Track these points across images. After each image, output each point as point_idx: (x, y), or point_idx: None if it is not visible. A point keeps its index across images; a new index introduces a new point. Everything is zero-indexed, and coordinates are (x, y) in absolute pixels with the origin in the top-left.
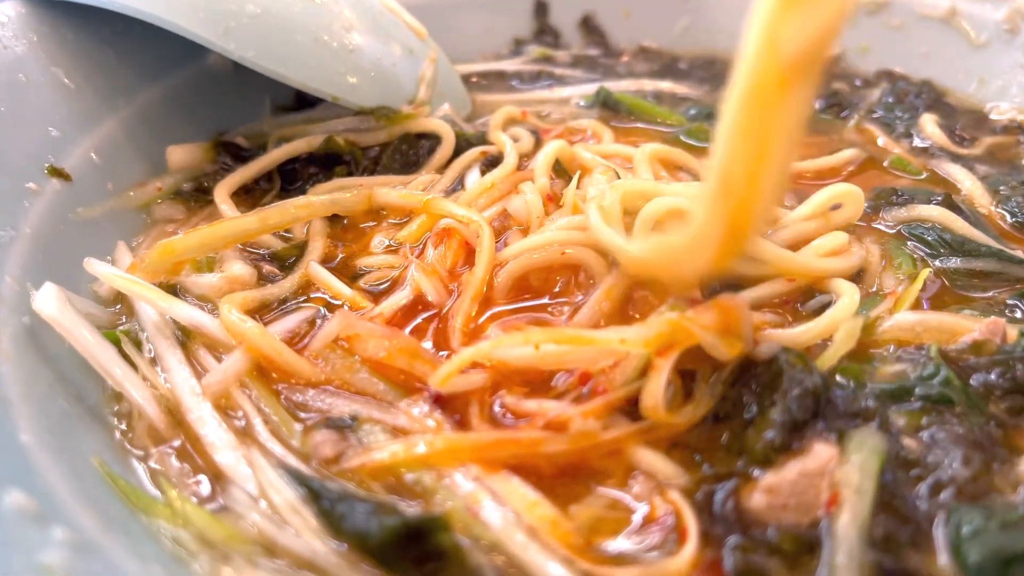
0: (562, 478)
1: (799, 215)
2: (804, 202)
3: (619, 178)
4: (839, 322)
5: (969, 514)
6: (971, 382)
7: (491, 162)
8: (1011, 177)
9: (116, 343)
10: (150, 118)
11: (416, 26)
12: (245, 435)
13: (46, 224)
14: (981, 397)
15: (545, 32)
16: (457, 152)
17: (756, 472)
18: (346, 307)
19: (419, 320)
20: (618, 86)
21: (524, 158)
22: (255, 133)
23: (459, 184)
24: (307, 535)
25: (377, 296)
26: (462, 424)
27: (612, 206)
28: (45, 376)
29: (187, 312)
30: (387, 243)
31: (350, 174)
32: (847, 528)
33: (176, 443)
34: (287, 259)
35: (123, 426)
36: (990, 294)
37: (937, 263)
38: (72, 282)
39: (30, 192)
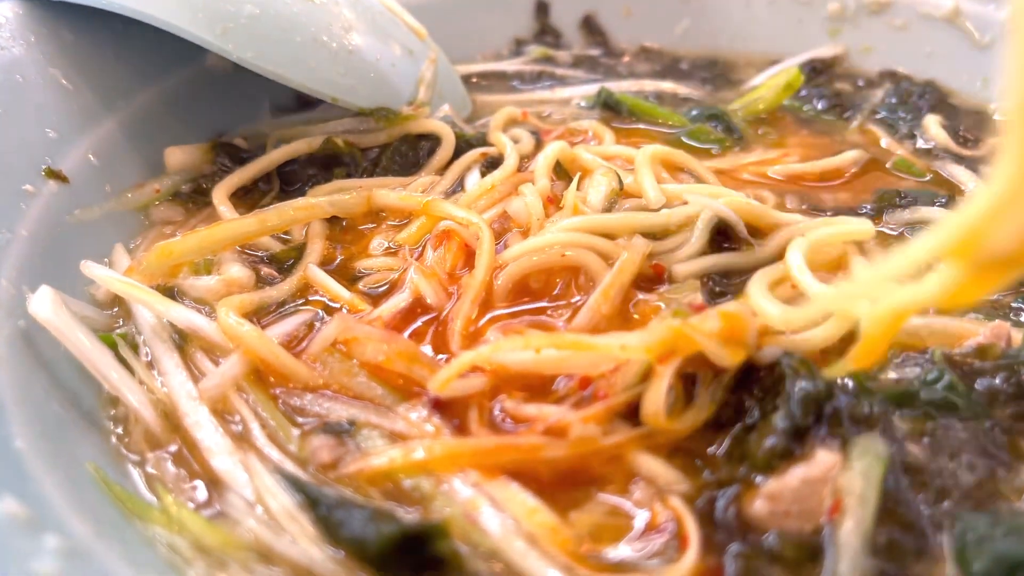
0: (562, 484)
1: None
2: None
3: (620, 179)
4: (842, 328)
5: (974, 521)
6: (976, 387)
7: (491, 163)
8: None
9: (112, 347)
10: (148, 119)
11: (416, 26)
12: (242, 440)
13: (43, 226)
14: (986, 402)
15: (546, 32)
16: (457, 153)
17: (758, 478)
18: (344, 310)
19: (418, 323)
20: (619, 87)
21: (524, 159)
22: (254, 134)
23: (459, 186)
24: (304, 542)
25: (376, 299)
26: (461, 429)
27: None
28: (40, 380)
29: (184, 315)
30: (386, 245)
31: (349, 176)
32: (850, 536)
33: (173, 448)
34: (286, 261)
35: (119, 431)
36: (995, 298)
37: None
38: (69, 285)
39: (27, 194)
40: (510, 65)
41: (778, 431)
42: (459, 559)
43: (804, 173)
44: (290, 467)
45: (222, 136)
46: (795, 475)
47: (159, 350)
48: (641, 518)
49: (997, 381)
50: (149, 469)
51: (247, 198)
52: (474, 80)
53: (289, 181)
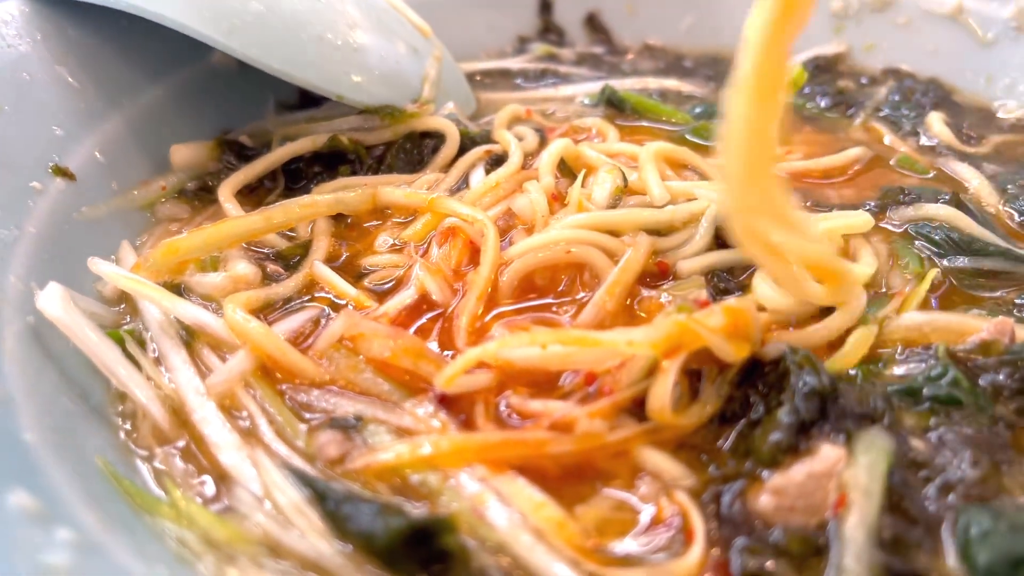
0: (568, 479)
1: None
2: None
3: (624, 177)
4: (846, 324)
5: (978, 516)
6: (979, 382)
7: (496, 161)
8: (1019, 176)
9: (120, 343)
10: (154, 117)
11: (421, 24)
12: (250, 435)
13: (50, 223)
14: (989, 398)
15: (550, 30)
16: (462, 151)
17: (763, 473)
18: (350, 306)
19: (424, 320)
20: (623, 84)
21: (529, 157)
22: (259, 132)
23: (464, 183)
24: (312, 536)
25: (381, 295)
26: (467, 424)
27: None
28: (49, 375)
29: (191, 311)
30: (391, 242)
31: (354, 173)
32: (855, 530)
33: (180, 443)
34: (291, 258)
35: (127, 426)
36: (998, 293)
37: (945, 262)
38: (76, 281)
39: (34, 191)
40: (514, 63)
41: (783, 426)
42: (466, 553)
43: (808, 170)
44: (298, 462)
45: (227, 134)
46: (800, 470)
47: (166, 346)
48: (647, 513)
49: (1001, 377)
50: (157, 464)
51: (252, 195)
52: (478, 78)
53: (294, 179)
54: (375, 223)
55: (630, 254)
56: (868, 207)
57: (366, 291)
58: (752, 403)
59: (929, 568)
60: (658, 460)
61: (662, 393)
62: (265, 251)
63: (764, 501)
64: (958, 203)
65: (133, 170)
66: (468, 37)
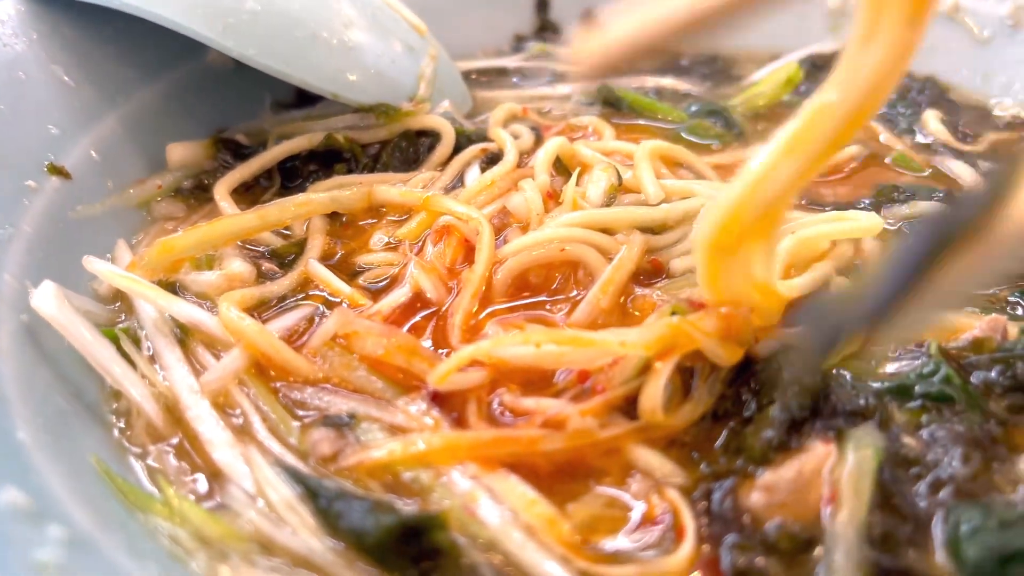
0: (560, 476)
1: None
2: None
3: (619, 175)
4: None
5: (968, 512)
6: (971, 380)
7: (491, 159)
8: None
9: (115, 341)
10: (150, 116)
11: (416, 22)
12: (243, 433)
13: (45, 222)
14: (981, 395)
15: (546, 28)
16: (457, 149)
17: (755, 471)
18: (345, 305)
19: (418, 318)
20: (619, 82)
21: (524, 155)
22: (255, 130)
23: (459, 181)
24: (304, 533)
25: (376, 294)
26: (460, 422)
27: None
28: (43, 374)
29: (186, 310)
30: (386, 240)
31: (350, 171)
32: (845, 526)
33: (174, 441)
34: (286, 256)
35: (121, 424)
36: (991, 291)
37: None
38: (72, 280)
39: (29, 190)
40: (510, 61)
41: (775, 424)
42: (457, 550)
43: None
44: (290, 460)
45: (223, 132)
46: (791, 467)
47: (161, 344)
48: (638, 510)
49: (993, 374)
50: (151, 462)
51: (248, 194)
52: (474, 76)
53: (290, 177)
54: (370, 221)
55: (624, 252)
56: (863, 205)
57: (361, 289)
58: (744, 401)
59: (919, 564)
60: (649, 458)
61: (653, 394)
62: (260, 249)
63: (755, 498)
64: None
65: (129, 169)
66: (465, 35)
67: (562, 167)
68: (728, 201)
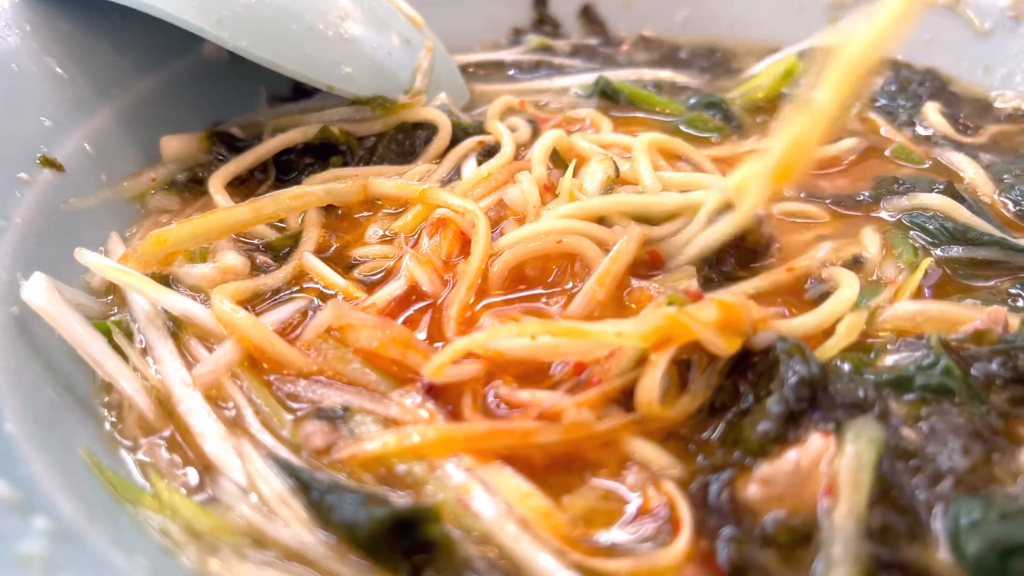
0: (555, 469)
1: None
2: None
3: (616, 167)
4: (838, 312)
5: (968, 505)
6: (972, 372)
7: (488, 152)
8: (1015, 166)
9: (107, 333)
10: (144, 108)
11: (413, 15)
12: (235, 426)
13: (38, 214)
14: (982, 387)
15: (544, 22)
16: (454, 142)
17: (752, 463)
18: (340, 297)
19: (413, 311)
20: (617, 75)
21: (521, 148)
22: (251, 123)
23: (456, 174)
24: (296, 526)
25: (371, 286)
26: (455, 415)
27: None
28: (34, 366)
29: (178, 302)
30: (382, 233)
31: (346, 164)
32: (844, 519)
33: (166, 434)
34: (281, 249)
35: (113, 417)
36: (992, 283)
37: (939, 252)
38: (64, 272)
39: (22, 182)
40: (508, 55)
41: (772, 416)
42: (450, 543)
43: None
44: (283, 452)
45: (218, 125)
46: (789, 459)
47: (153, 337)
48: (634, 502)
49: (994, 366)
50: (142, 455)
51: (243, 187)
52: (472, 70)
53: (285, 170)
54: (366, 214)
55: (621, 243)
56: (862, 197)
57: (356, 282)
58: (741, 393)
59: (918, 558)
60: (646, 450)
61: (650, 387)
62: (255, 242)
63: (752, 491)
64: (953, 193)
65: (123, 162)
66: (462, 29)
67: (559, 160)
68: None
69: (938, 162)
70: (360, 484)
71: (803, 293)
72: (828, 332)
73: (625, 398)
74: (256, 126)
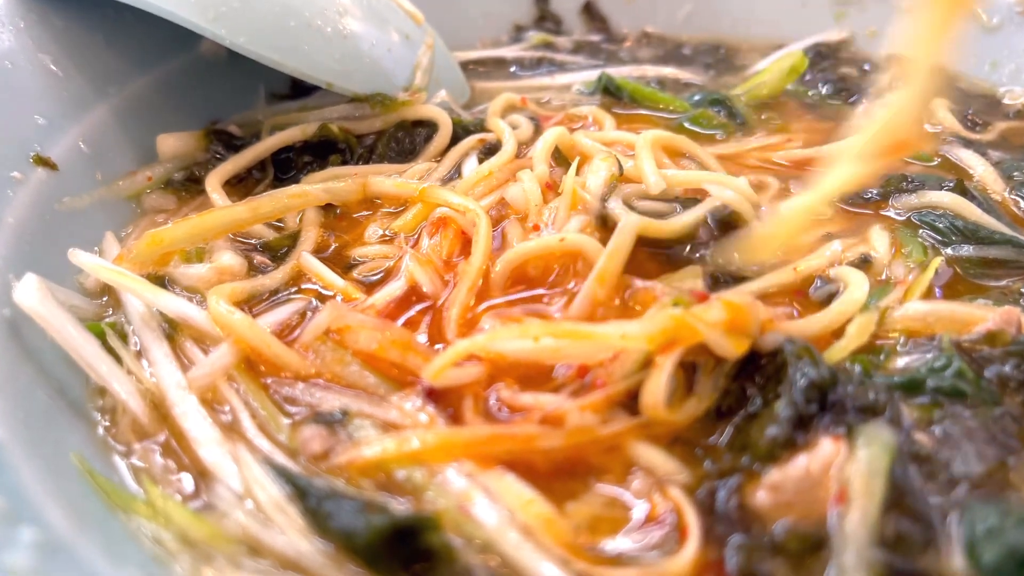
0: (559, 475)
1: None
2: None
3: (620, 165)
4: (847, 313)
5: (983, 512)
6: (985, 374)
7: (489, 150)
8: None
9: (101, 336)
10: (141, 106)
11: (413, 11)
12: (231, 430)
13: (31, 214)
14: (995, 389)
15: (546, 18)
16: (454, 140)
17: (760, 468)
18: (338, 298)
19: (413, 312)
20: (620, 72)
21: (523, 146)
22: (249, 121)
23: (456, 172)
24: (292, 534)
25: (371, 287)
26: (456, 419)
27: None
28: (25, 370)
29: (174, 303)
30: (381, 233)
31: (345, 163)
32: (856, 527)
33: (160, 439)
34: (279, 249)
35: (106, 421)
36: (1004, 283)
37: (949, 251)
38: (58, 273)
39: (15, 181)
40: (509, 51)
41: (781, 420)
42: (451, 552)
43: (809, 158)
44: (280, 458)
45: (216, 123)
46: (798, 465)
47: (148, 339)
48: (640, 509)
49: (1007, 368)
50: (136, 460)
51: (241, 186)
52: (472, 66)
53: (284, 169)
54: (365, 213)
55: (616, 238)
56: (870, 195)
57: (355, 282)
58: (749, 396)
59: (933, 567)
60: (652, 455)
61: (656, 390)
62: (252, 242)
63: (761, 497)
64: (963, 190)
65: (118, 160)
66: (463, 25)
67: (561, 158)
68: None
69: (947, 159)
70: (359, 490)
71: (810, 293)
72: (836, 333)
73: (630, 401)
74: (254, 124)
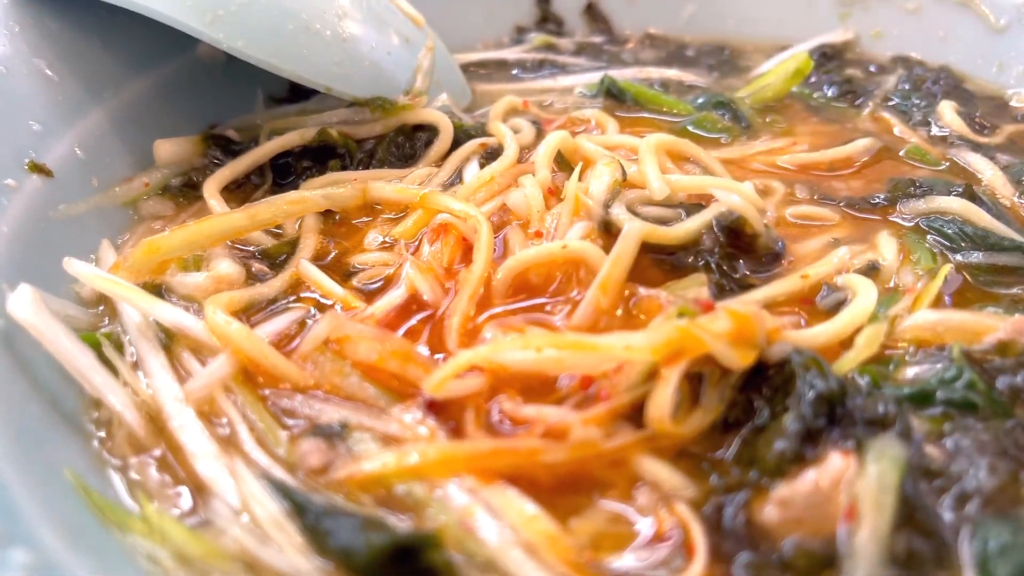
0: (562, 489)
1: None
2: None
3: (623, 170)
4: (855, 323)
5: (996, 528)
6: (996, 385)
7: (491, 155)
8: None
9: (96, 347)
10: (137, 111)
11: (413, 14)
12: (229, 444)
13: (25, 222)
14: (1007, 401)
15: (548, 20)
16: (455, 144)
17: (768, 483)
18: (337, 307)
19: (414, 321)
20: (623, 74)
21: (525, 150)
22: (247, 126)
23: (457, 178)
24: (290, 552)
25: (370, 295)
26: (457, 432)
27: None
28: (19, 382)
29: (170, 313)
30: (382, 240)
31: (344, 168)
32: (866, 543)
33: (157, 452)
34: (278, 256)
35: (102, 434)
36: (1015, 290)
37: (958, 258)
38: (53, 283)
39: (9, 188)
40: (511, 53)
41: (789, 433)
42: (453, 570)
43: (814, 162)
44: (278, 472)
45: (214, 128)
46: (807, 480)
47: (144, 350)
48: (645, 526)
49: (1019, 379)
50: (132, 475)
51: (239, 192)
52: (473, 69)
53: (282, 174)
54: (365, 220)
55: (620, 245)
56: (877, 199)
57: (354, 291)
58: (756, 408)
59: None
60: (657, 469)
61: (661, 402)
62: (250, 249)
63: (769, 513)
64: (971, 195)
65: (115, 166)
66: (464, 27)
67: (564, 162)
68: None
69: (955, 163)
70: (358, 506)
71: (816, 302)
72: (845, 343)
73: (634, 414)
74: (252, 129)
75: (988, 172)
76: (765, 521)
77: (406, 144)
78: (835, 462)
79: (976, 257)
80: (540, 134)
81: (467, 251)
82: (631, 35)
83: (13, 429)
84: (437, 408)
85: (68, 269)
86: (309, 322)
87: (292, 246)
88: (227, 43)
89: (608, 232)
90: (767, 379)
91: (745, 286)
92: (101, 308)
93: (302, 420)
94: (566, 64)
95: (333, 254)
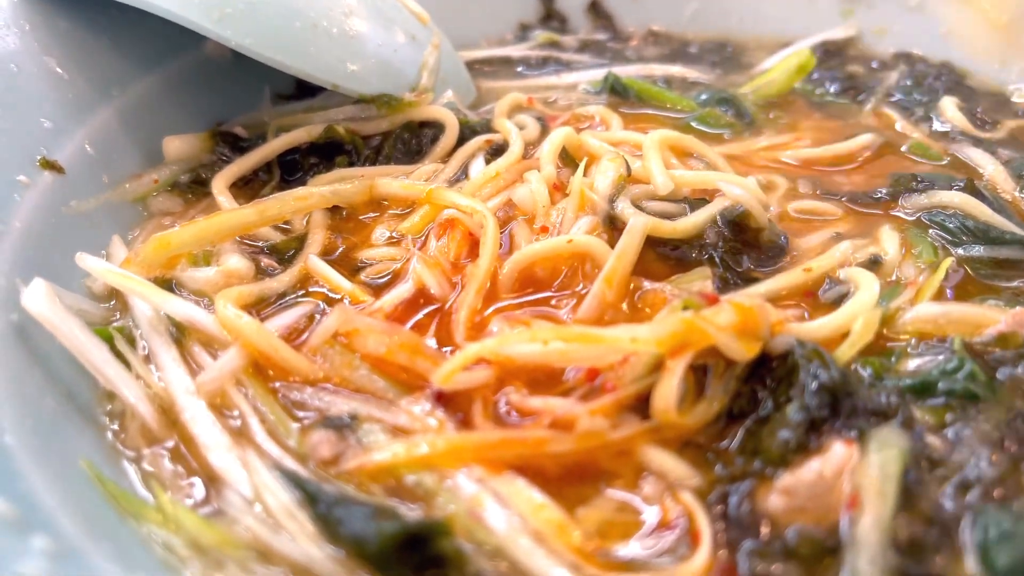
0: (569, 479)
1: None
2: None
3: (628, 166)
4: (858, 315)
5: (997, 516)
6: (997, 376)
7: (496, 151)
8: None
9: (108, 340)
10: (146, 108)
11: (419, 11)
12: (241, 435)
13: (38, 218)
14: (1008, 392)
15: (552, 17)
16: (461, 141)
17: (772, 473)
18: (346, 301)
19: (421, 315)
20: (627, 71)
21: (530, 146)
22: (254, 123)
23: (463, 174)
24: (303, 540)
25: (378, 290)
26: (465, 423)
27: None
28: (34, 375)
29: (181, 307)
30: (389, 235)
31: (351, 164)
32: (869, 531)
33: (170, 444)
34: (286, 252)
35: (115, 426)
36: (1016, 283)
37: (960, 251)
38: (65, 277)
39: (21, 185)
40: (515, 50)
41: (792, 423)
42: (462, 558)
43: (816, 158)
44: (289, 463)
45: (222, 125)
46: (811, 469)
47: (156, 344)
48: (651, 514)
49: (1020, 370)
50: (145, 466)
51: (247, 188)
52: (478, 66)
53: (290, 170)
54: (372, 215)
55: (624, 239)
56: (879, 194)
57: (362, 285)
58: (760, 399)
59: (946, 571)
60: (663, 459)
61: (667, 393)
62: (259, 245)
63: (773, 502)
64: (973, 190)
65: (124, 163)
66: (468, 25)
67: (568, 158)
68: None
69: (956, 158)
70: (369, 496)
71: (819, 295)
72: (846, 336)
73: (640, 405)
74: (260, 126)
75: (989, 167)
76: (769, 509)
77: (412, 140)
78: (838, 451)
79: (977, 251)
80: (545, 130)
81: (473, 246)
82: (634, 32)
83: (30, 421)
84: (445, 400)
85: (80, 264)
86: (318, 316)
87: (300, 241)
88: (235, 41)
89: (613, 227)
90: (771, 370)
91: (749, 279)
92: (113, 303)
93: (312, 412)
94: (570, 61)
95: (341, 249)
